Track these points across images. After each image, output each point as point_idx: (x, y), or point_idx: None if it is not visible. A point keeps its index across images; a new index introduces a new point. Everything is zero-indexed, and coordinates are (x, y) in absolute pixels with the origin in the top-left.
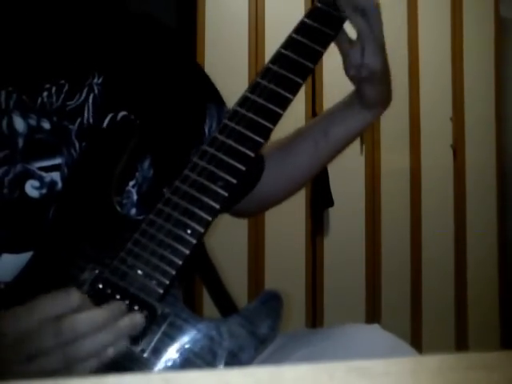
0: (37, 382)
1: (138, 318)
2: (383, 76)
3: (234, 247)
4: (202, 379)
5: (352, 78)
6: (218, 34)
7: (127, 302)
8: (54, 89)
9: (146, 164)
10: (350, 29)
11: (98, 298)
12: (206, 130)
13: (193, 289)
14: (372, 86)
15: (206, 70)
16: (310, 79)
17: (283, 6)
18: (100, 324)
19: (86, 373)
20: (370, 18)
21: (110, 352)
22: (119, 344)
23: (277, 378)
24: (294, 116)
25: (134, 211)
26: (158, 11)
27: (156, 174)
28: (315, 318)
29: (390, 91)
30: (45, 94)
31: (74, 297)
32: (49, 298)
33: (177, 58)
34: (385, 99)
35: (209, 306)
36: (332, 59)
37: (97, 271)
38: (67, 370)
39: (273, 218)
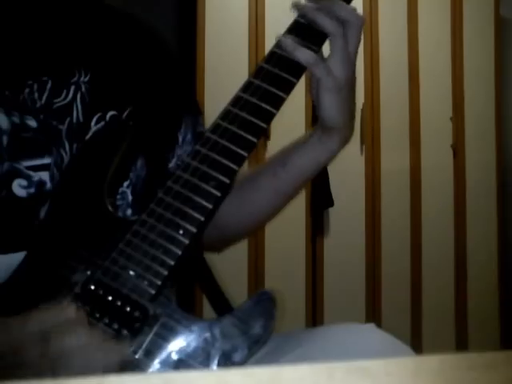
0: (37, 382)
1: (126, 350)
2: (347, 93)
3: (234, 247)
4: (202, 379)
5: (314, 88)
6: (218, 34)
7: (119, 302)
8: (35, 86)
9: (140, 163)
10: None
11: (90, 299)
12: (180, 138)
13: (193, 289)
14: (333, 100)
15: (206, 71)
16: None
17: (283, 6)
18: (91, 343)
19: None
20: (349, 31)
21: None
22: (110, 366)
23: (277, 378)
24: (294, 116)
25: (129, 212)
26: (158, 12)
27: (149, 174)
28: (315, 318)
29: (350, 119)
30: (26, 90)
31: (69, 312)
32: (43, 312)
33: (161, 60)
34: (344, 124)
35: (209, 306)
36: None
37: (88, 272)
38: None
39: None
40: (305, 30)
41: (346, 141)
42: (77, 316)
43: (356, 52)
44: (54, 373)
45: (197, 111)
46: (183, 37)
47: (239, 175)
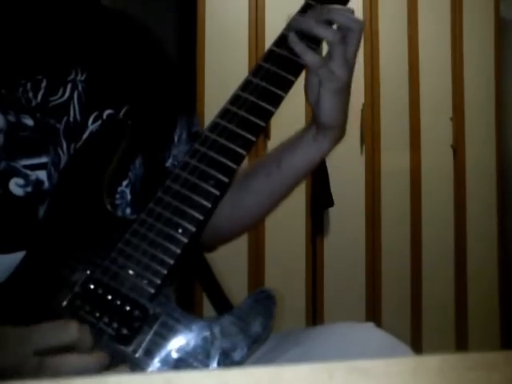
0: (37, 382)
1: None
2: (345, 94)
3: (234, 247)
4: (203, 379)
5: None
6: (218, 34)
7: (118, 302)
8: (29, 84)
9: (138, 163)
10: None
11: (89, 299)
12: (176, 138)
13: (193, 288)
14: (334, 101)
15: (206, 71)
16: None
17: (283, 7)
18: (86, 372)
19: None
20: (349, 36)
21: None
22: None
23: (277, 378)
24: (294, 116)
25: (129, 211)
26: (158, 12)
27: (147, 173)
28: (315, 318)
29: (345, 119)
30: (20, 89)
31: (72, 330)
32: (45, 328)
33: (155, 60)
34: (340, 124)
35: (209, 305)
36: None
37: (88, 272)
38: None
39: (273, 218)
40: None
41: (338, 140)
42: (79, 335)
43: (355, 55)
44: None
45: (192, 111)
46: (183, 37)
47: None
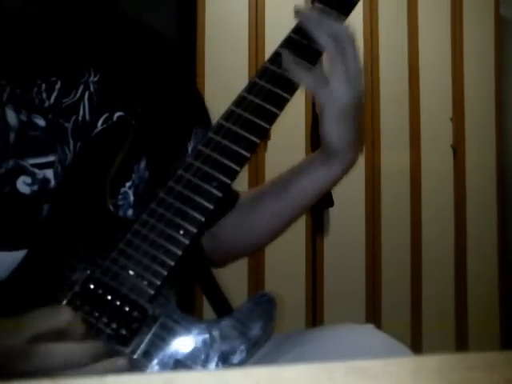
0: (36, 382)
1: (121, 364)
2: (351, 117)
3: None
4: (203, 379)
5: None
6: (218, 34)
7: (118, 302)
8: (43, 86)
9: (142, 165)
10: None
11: (89, 299)
12: (190, 149)
13: (194, 290)
14: (336, 126)
15: (206, 71)
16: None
17: (283, 7)
18: (76, 361)
19: None
20: (342, 46)
21: None
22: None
23: (276, 378)
24: (294, 116)
25: (130, 212)
26: (158, 12)
27: (152, 176)
28: (315, 318)
29: (354, 143)
30: (35, 89)
31: (64, 315)
32: (37, 314)
33: (171, 69)
34: (349, 148)
35: (209, 307)
36: None
37: (88, 271)
38: None
39: None
40: (300, 46)
41: (350, 164)
42: (72, 320)
43: (358, 72)
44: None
45: (207, 123)
46: (183, 37)
47: (241, 197)
